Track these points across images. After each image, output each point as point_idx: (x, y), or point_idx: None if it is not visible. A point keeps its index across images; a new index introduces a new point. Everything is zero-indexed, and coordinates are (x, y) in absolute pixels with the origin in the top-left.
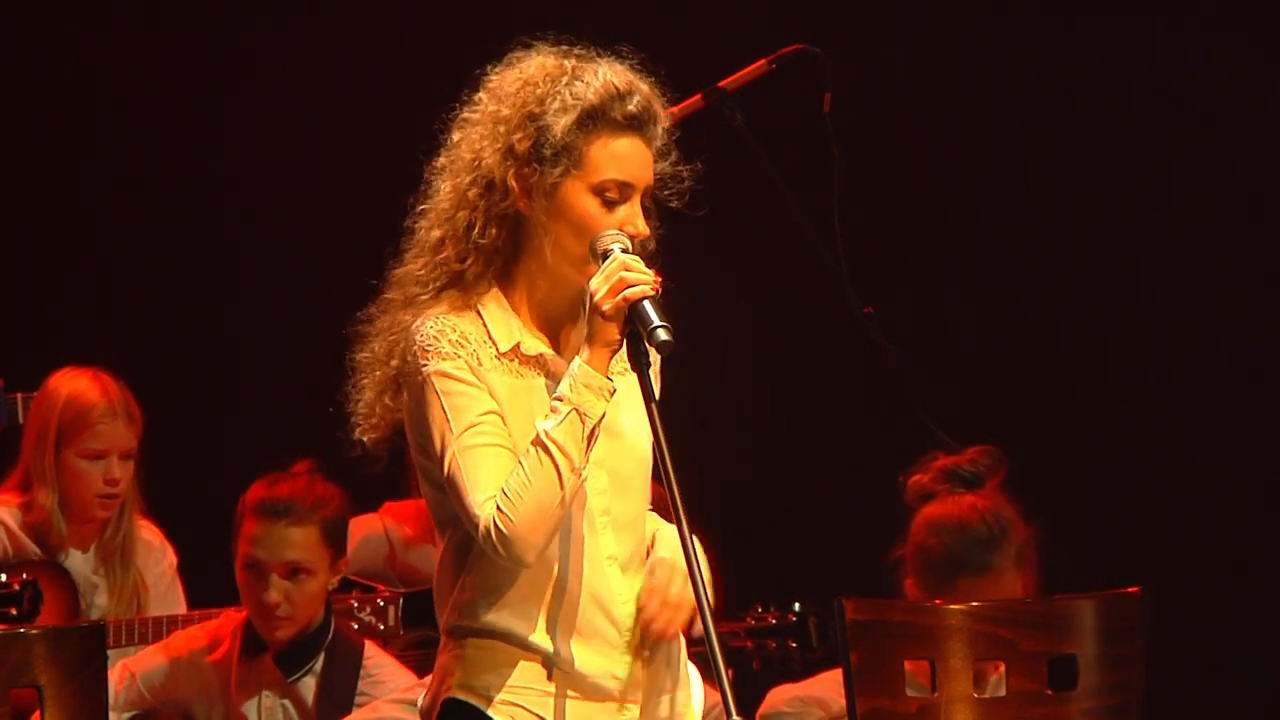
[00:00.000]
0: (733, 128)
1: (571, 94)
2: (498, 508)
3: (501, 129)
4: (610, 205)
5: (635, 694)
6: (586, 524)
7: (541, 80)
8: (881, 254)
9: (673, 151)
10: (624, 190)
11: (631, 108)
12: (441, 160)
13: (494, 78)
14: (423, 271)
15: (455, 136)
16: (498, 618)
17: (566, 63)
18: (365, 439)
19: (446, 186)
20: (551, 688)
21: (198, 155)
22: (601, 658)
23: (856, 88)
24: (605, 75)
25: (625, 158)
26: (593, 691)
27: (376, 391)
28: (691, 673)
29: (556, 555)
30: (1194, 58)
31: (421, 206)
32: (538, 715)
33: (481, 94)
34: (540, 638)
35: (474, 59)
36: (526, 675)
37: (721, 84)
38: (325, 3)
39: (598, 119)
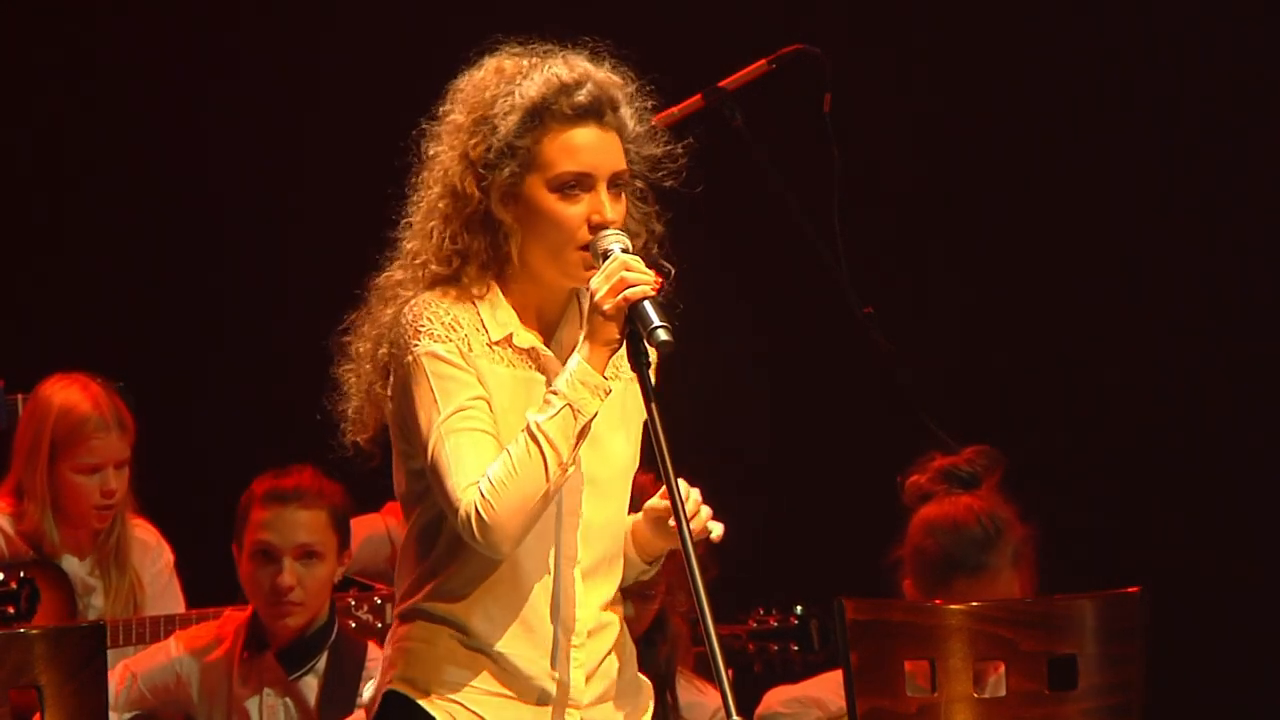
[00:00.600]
0: (733, 128)
1: (519, 93)
2: (480, 494)
3: (461, 135)
4: (572, 197)
5: (578, 699)
6: (555, 524)
7: (493, 83)
8: (881, 254)
9: (660, 133)
10: (584, 180)
11: (580, 98)
12: (420, 173)
13: (458, 84)
14: (403, 275)
15: (428, 148)
16: (449, 608)
17: (525, 62)
18: (359, 439)
19: (420, 198)
20: (490, 685)
21: (194, 156)
22: (544, 658)
23: (856, 88)
24: (551, 70)
25: (579, 148)
26: (532, 692)
27: (366, 385)
28: (644, 685)
29: (521, 551)
30: (1194, 57)
31: (404, 220)
32: (476, 714)
33: (446, 102)
34: (487, 632)
35: (469, 62)
36: (466, 672)
37: (721, 84)
38: (323, 6)
39: (543, 114)
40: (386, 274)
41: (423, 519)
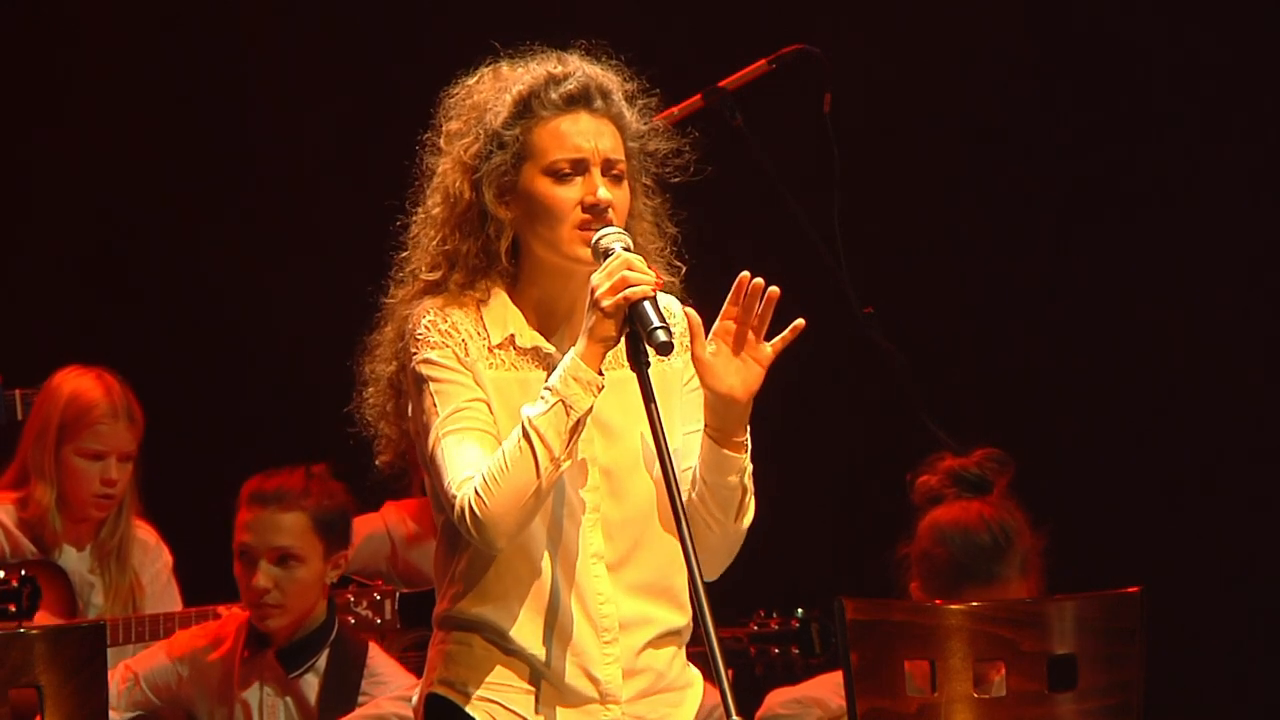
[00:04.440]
0: (733, 128)
1: (510, 90)
2: (475, 490)
3: (456, 140)
4: (565, 181)
5: (616, 695)
6: (572, 520)
7: (489, 87)
8: (882, 254)
9: (664, 129)
10: (576, 165)
11: (569, 87)
12: (422, 187)
13: (454, 93)
14: (399, 291)
15: (429, 161)
16: (479, 610)
17: (520, 67)
18: (387, 458)
19: (420, 209)
20: (528, 686)
21: (200, 154)
22: (578, 656)
23: (856, 88)
24: (537, 65)
25: (569, 134)
26: (570, 690)
27: (382, 405)
28: (694, 678)
29: (540, 549)
30: (1196, 56)
31: (407, 237)
32: (516, 713)
33: (443, 112)
34: (518, 633)
35: (466, 72)
36: (504, 673)
37: (721, 84)
38: (344, 13)
39: (532, 105)
40: (390, 293)
41: (449, 525)
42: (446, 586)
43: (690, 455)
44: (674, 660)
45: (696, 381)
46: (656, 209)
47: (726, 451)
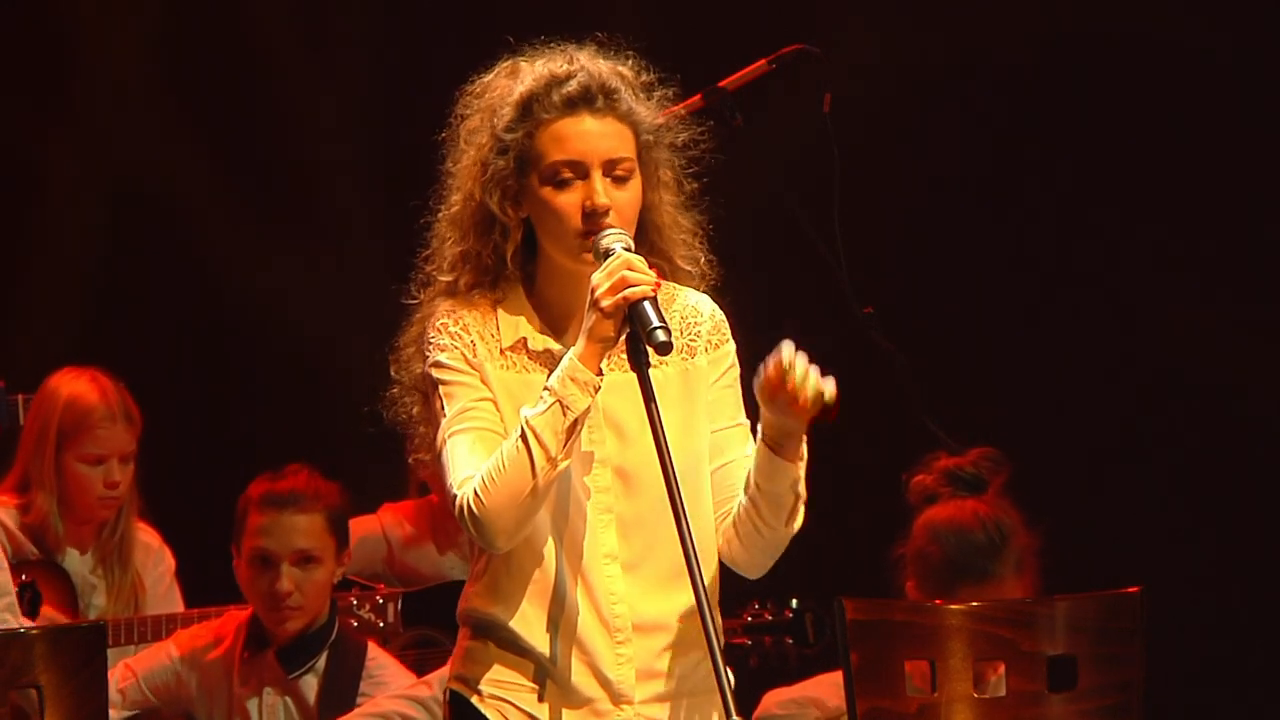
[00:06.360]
0: (733, 128)
1: (516, 91)
2: (474, 490)
3: (471, 138)
4: (566, 186)
5: (629, 695)
6: (584, 520)
7: (502, 84)
8: (881, 254)
9: (683, 119)
10: (576, 169)
11: (570, 88)
12: (444, 183)
13: (471, 90)
14: (420, 291)
15: (450, 157)
16: (493, 609)
17: (535, 62)
18: (421, 456)
19: (443, 207)
20: (539, 684)
21: (202, 153)
22: (588, 656)
23: (857, 88)
24: (543, 65)
25: (570, 136)
26: (576, 691)
27: (408, 405)
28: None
29: (552, 550)
30: (1198, 56)
31: (430, 235)
32: (525, 712)
33: (461, 108)
34: (528, 632)
35: (483, 68)
36: (514, 671)
37: (721, 84)
38: (361, 10)
39: (534, 109)
40: (414, 294)
41: None
42: (468, 584)
43: (720, 453)
44: (699, 666)
45: (727, 379)
46: (676, 200)
47: (782, 461)
